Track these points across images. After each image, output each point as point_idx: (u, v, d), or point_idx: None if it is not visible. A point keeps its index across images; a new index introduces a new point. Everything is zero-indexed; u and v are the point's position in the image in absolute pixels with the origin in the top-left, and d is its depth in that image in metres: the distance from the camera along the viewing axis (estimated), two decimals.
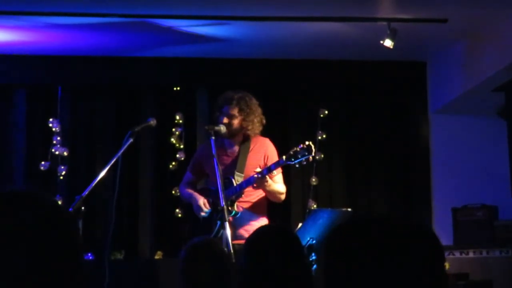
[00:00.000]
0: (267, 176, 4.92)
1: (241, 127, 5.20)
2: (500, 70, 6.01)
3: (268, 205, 5.31)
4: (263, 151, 5.23)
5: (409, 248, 1.34)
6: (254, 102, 5.23)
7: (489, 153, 7.15)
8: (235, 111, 5.15)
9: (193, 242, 3.43)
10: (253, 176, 4.96)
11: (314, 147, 4.85)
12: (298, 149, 4.82)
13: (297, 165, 4.90)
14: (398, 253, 1.33)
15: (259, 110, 5.24)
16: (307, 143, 4.82)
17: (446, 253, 6.45)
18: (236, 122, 5.17)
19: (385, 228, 1.38)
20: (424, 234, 1.38)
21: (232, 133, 5.19)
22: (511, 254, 6.39)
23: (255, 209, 5.20)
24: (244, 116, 5.17)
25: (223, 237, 4.58)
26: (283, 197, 5.22)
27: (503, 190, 6.58)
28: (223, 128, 5.14)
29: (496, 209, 6.83)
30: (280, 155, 5.05)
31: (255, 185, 5.01)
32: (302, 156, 4.79)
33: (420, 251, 1.35)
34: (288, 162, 4.85)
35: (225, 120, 5.16)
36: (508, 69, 5.95)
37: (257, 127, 5.23)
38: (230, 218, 5.00)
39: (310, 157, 4.83)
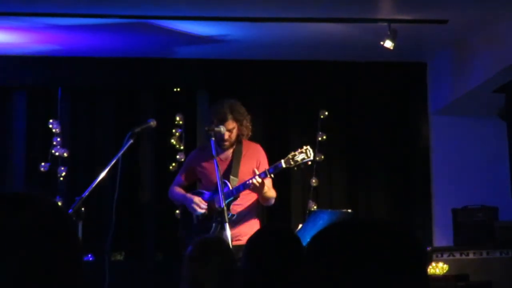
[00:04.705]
0: (264, 180, 4.98)
1: (238, 134, 5.32)
2: (500, 71, 6.00)
3: (262, 208, 5.36)
4: (256, 157, 5.33)
5: (390, 252, 1.34)
6: (240, 105, 5.36)
7: (490, 154, 7.15)
8: (232, 125, 5.24)
9: (203, 238, 3.42)
10: (249, 180, 5.00)
11: (313, 151, 4.89)
12: (296, 153, 4.86)
13: (295, 168, 4.97)
14: (378, 257, 1.33)
15: (246, 111, 5.37)
16: (305, 147, 4.87)
17: (446, 254, 6.48)
18: (235, 132, 5.30)
19: (366, 232, 1.37)
20: (406, 238, 1.38)
21: (233, 143, 5.30)
22: (511, 255, 6.38)
23: (247, 212, 5.25)
24: (239, 124, 5.29)
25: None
26: (273, 201, 5.32)
27: (503, 191, 6.57)
28: (223, 129, 5.19)
29: (496, 210, 6.83)
30: (279, 157, 5.09)
31: (252, 186, 5.06)
32: (301, 160, 4.84)
33: (401, 255, 1.34)
34: (287, 166, 4.90)
35: (227, 136, 5.25)
36: (508, 70, 5.94)
37: (249, 129, 5.36)
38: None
39: (309, 162, 4.88)
